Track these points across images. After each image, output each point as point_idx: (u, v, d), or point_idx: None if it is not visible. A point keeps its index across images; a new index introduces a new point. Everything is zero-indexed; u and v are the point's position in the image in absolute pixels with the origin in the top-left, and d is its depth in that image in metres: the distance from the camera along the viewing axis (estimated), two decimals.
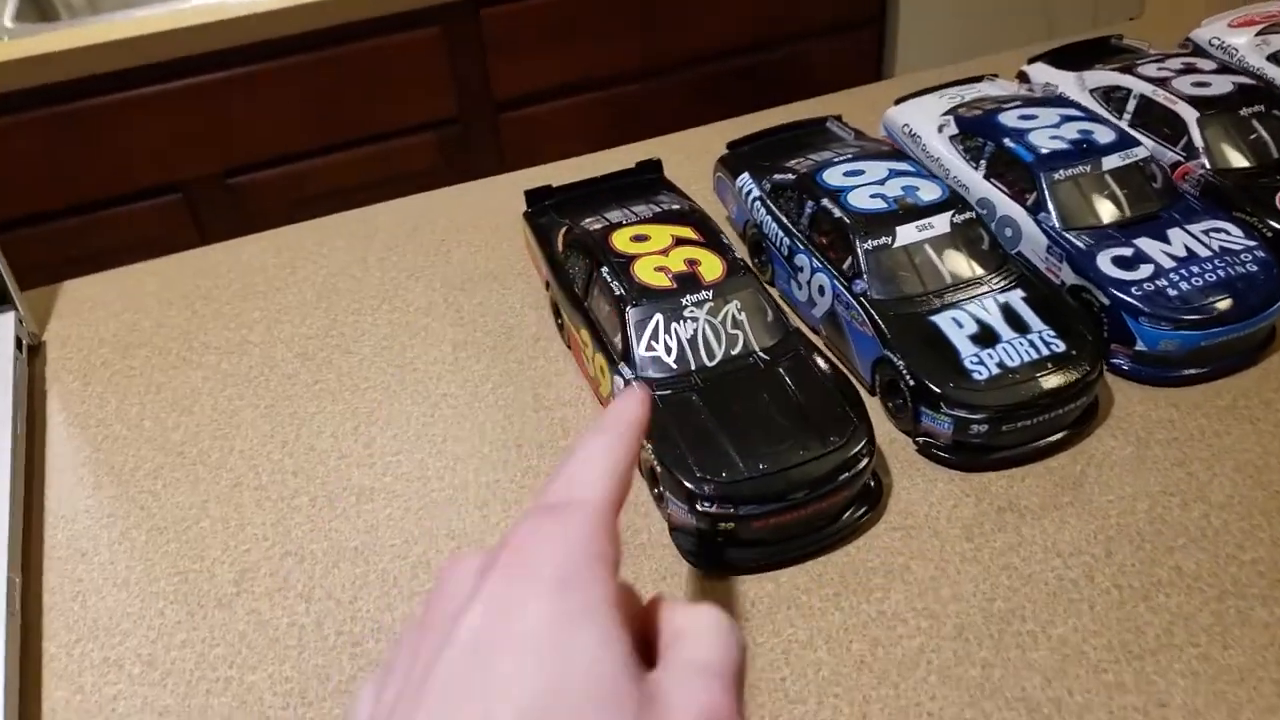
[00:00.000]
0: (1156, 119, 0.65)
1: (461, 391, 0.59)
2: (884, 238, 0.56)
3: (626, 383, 0.51)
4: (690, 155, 0.77)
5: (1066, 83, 0.72)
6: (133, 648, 0.47)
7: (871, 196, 0.58)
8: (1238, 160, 0.62)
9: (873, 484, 0.51)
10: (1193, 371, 0.55)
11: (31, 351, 0.65)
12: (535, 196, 0.65)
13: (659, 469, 0.48)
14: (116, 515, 0.53)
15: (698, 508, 0.46)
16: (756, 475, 0.46)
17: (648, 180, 0.66)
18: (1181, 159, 0.63)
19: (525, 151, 1.58)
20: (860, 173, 0.60)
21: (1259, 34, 0.73)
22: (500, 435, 0.56)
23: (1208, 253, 0.56)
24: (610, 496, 0.26)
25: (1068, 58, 0.75)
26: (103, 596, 0.49)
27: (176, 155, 1.38)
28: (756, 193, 0.64)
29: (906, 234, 0.56)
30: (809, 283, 0.59)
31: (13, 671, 0.44)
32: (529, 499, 0.52)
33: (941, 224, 0.56)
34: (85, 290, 0.71)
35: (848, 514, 0.49)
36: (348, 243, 0.73)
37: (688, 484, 0.46)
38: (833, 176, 0.60)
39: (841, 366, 0.52)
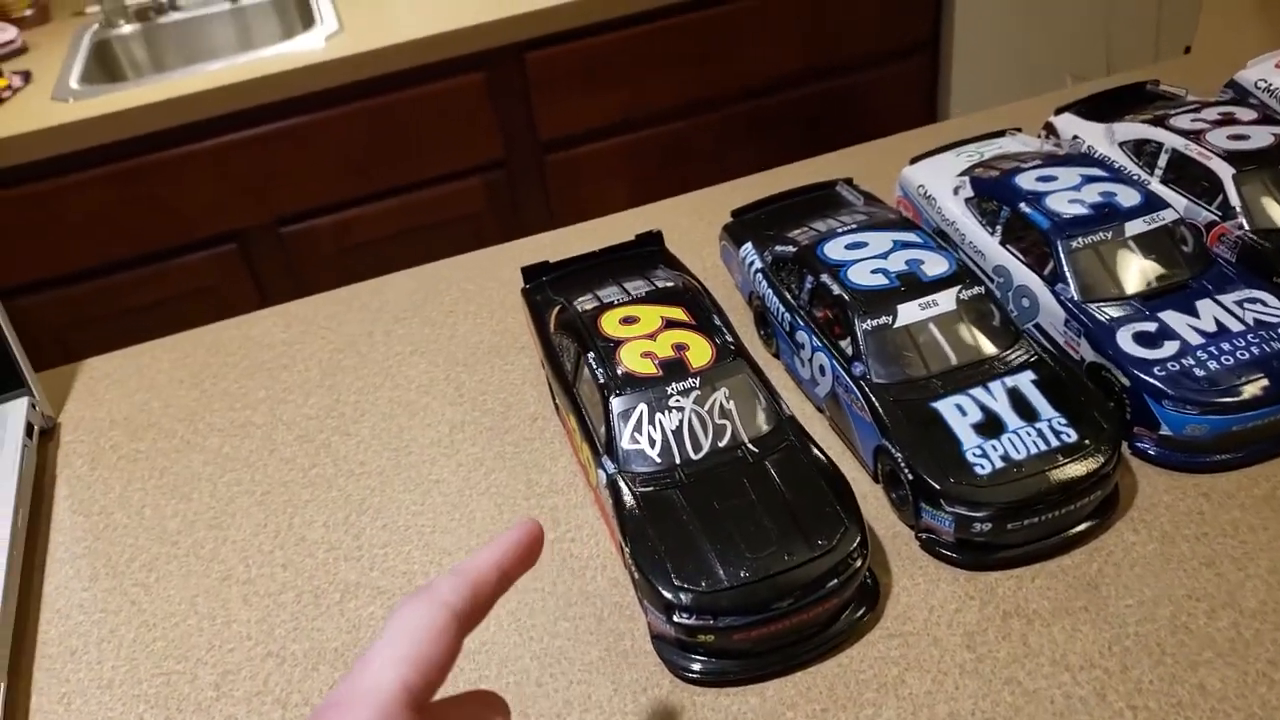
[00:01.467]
0: (1190, 175, 0.61)
1: (454, 477, 0.58)
2: (884, 317, 0.53)
3: (609, 477, 0.49)
4: (703, 217, 0.75)
5: (1095, 135, 0.68)
6: None
7: (873, 272, 0.55)
8: (1278, 219, 0.58)
9: (870, 582, 0.48)
10: (1225, 457, 0.51)
11: (45, 434, 0.66)
12: (532, 273, 0.64)
13: (636, 575, 0.46)
14: (108, 610, 0.53)
15: (674, 618, 0.44)
16: (737, 584, 0.44)
17: (648, 253, 0.64)
18: (1218, 219, 0.59)
19: (571, 192, 1.58)
20: (863, 245, 0.57)
21: None
22: (489, 526, 0.55)
23: (1240, 327, 0.52)
24: (400, 687, 0.25)
25: (1097, 107, 0.71)
26: (87, 699, 0.49)
27: (231, 206, 1.42)
28: (759, 264, 0.62)
29: (909, 313, 0.53)
30: (810, 361, 0.57)
31: None
32: (513, 599, 0.51)
33: (947, 301, 0.53)
34: (103, 369, 0.72)
35: (844, 616, 0.46)
36: (357, 315, 0.73)
37: (665, 593, 0.44)
38: (834, 250, 0.57)
39: (828, 458, 0.49)
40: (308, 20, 1.52)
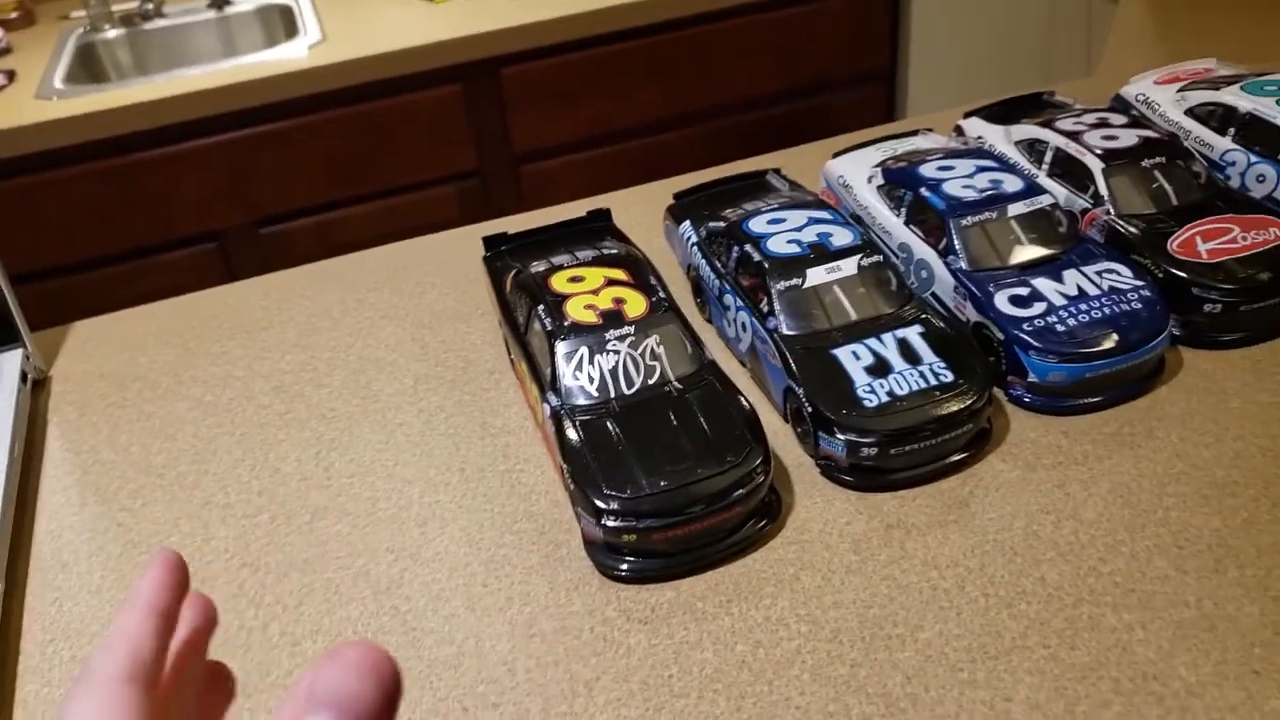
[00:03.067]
0: (1070, 170, 0.70)
1: (417, 420, 0.65)
2: (795, 279, 0.61)
3: (553, 410, 0.56)
4: (655, 204, 0.83)
5: (995, 136, 0.77)
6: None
7: (789, 242, 0.63)
8: (1140, 207, 0.66)
9: (775, 500, 0.55)
10: (1084, 401, 0.59)
11: (38, 385, 0.72)
12: (492, 242, 0.71)
13: (573, 488, 0.53)
14: (97, 530, 0.60)
15: (604, 522, 0.51)
16: (657, 491, 0.51)
17: (598, 228, 0.72)
18: (1090, 206, 0.68)
19: (544, 202, 1.64)
20: (782, 220, 0.65)
21: (1180, 90, 0.77)
22: (446, 460, 0.62)
23: (1097, 291, 0.60)
24: (118, 669, 0.27)
25: (1001, 112, 0.80)
26: (77, 602, 0.55)
27: (212, 207, 1.47)
28: (694, 239, 0.70)
29: (816, 275, 0.61)
30: (734, 320, 0.65)
31: None
32: (465, 518, 0.58)
33: (850, 266, 0.61)
34: (91, 330, 0.78)
35: (747, 526, 0.54)
36: (333, 285, 0.80)
37: (596, 500, 0.51)
38: (758, 224, 0.65)
39: (746, 397, 0.56)
40: (291, 30, 1.59)
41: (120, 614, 0.29)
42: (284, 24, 1.65)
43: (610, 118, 1.63)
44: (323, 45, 1.46)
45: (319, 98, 1.43)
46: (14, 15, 1.66)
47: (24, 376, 0.70)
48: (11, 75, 1.47)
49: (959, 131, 0.81)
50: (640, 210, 0.81)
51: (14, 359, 0.70)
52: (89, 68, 1.59)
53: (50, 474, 0.65)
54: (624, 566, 0.52)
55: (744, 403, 0.56)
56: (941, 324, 0.60)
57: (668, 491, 0.51)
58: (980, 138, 0.78)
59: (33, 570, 0.57)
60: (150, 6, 1.65)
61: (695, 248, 0.70)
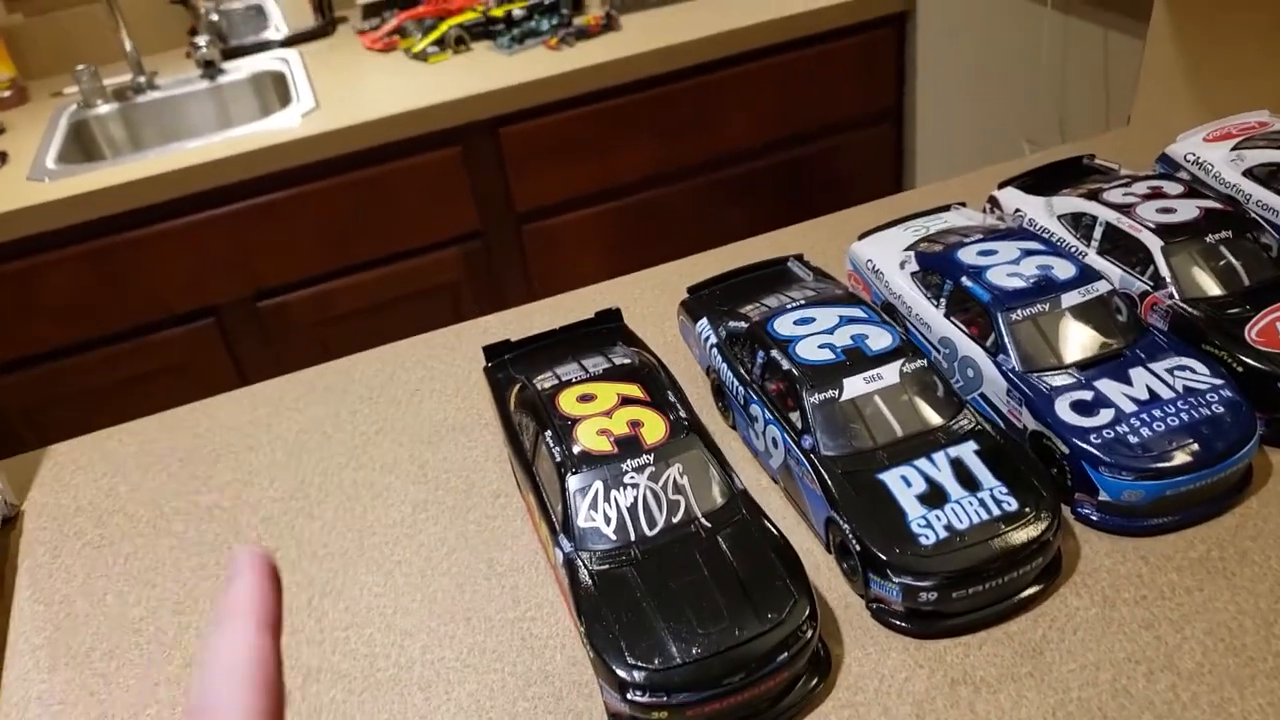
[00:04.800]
0: (1123, 247, 0.64)
1: (416, 558, 0.59)
2: (831, 390, 0.55)
3: (565, 556, 0.50)
4: (667, 290, 0.77)
5: (1036, 208, 0.71)
6: None
7: (820, 346, 0.57)
8: (1207, 289, 0.60)
9: (822, 653, 0.49)
10: (1162, 521, 0.53)
11: (9, 521, 0.66)
12: (494, 352, 0.65)
13: (591, 654, 0.47)
14: (67, 703, 0.53)
15: (629, 696, 0.45)
16: (690, 661, 0.45)
17: (607, 330, 0.66)
18: (1150, 289, 0.62)
19: (549, 261, 1.61)
20: (811, 320, 0.59)
21: (1234, 149, 0.71)
22: (450, 607, 0.55)
23: (1171, 394, 0.54)
24: (257, 616, 0.27)
25: (1038, 181, 0.74)
26: None
27: (208, 282, 1.43)
28: (713, 339, 0.64)
29: (854, 386, 0.55)
30: (763, 433, 0.58)
31: None
32: (472, 680, 0.51)
33: (891, 374, 0.55)
34: (70, 454, 0.72)
35: (796, 688, 0.47)
36: (323, 396, 0.74)
37: (619, 672, 0.45)
38: (783, 325, 0.59)
39: (779, 531, 0.50)
40: (285, 98, 1.55)
41: (240, 576, 0.28)
42: (277, 91, 1.62)
43: (612, 173, 1.59)
44: (316, 113, 1.42)
45: (314, 166, 1.39)
46: (7, 94, 1.63)
47: None
48: (4, 157, 1.44)
49: (994, 204, 0.75)
50: (652, 298, 0.75)
51: None
52: (82, 145, 1.56)
53: (18, 629, 0.59)
54: None
55: (782, 540, 0.50)
56: (997, 436, 0.53)
57: (702, 660, 0.45)
58: (1019, 211, 0.72)
59: None
60: (143, 80, 1.62)
61: (715, 349, 0.64)
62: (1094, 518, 0.54)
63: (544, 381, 0.59)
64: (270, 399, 0.75)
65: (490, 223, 1.56)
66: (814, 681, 0.48)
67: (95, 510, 0.67)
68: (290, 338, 1.50)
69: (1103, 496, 0.52)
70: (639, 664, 0.45)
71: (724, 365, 0.62)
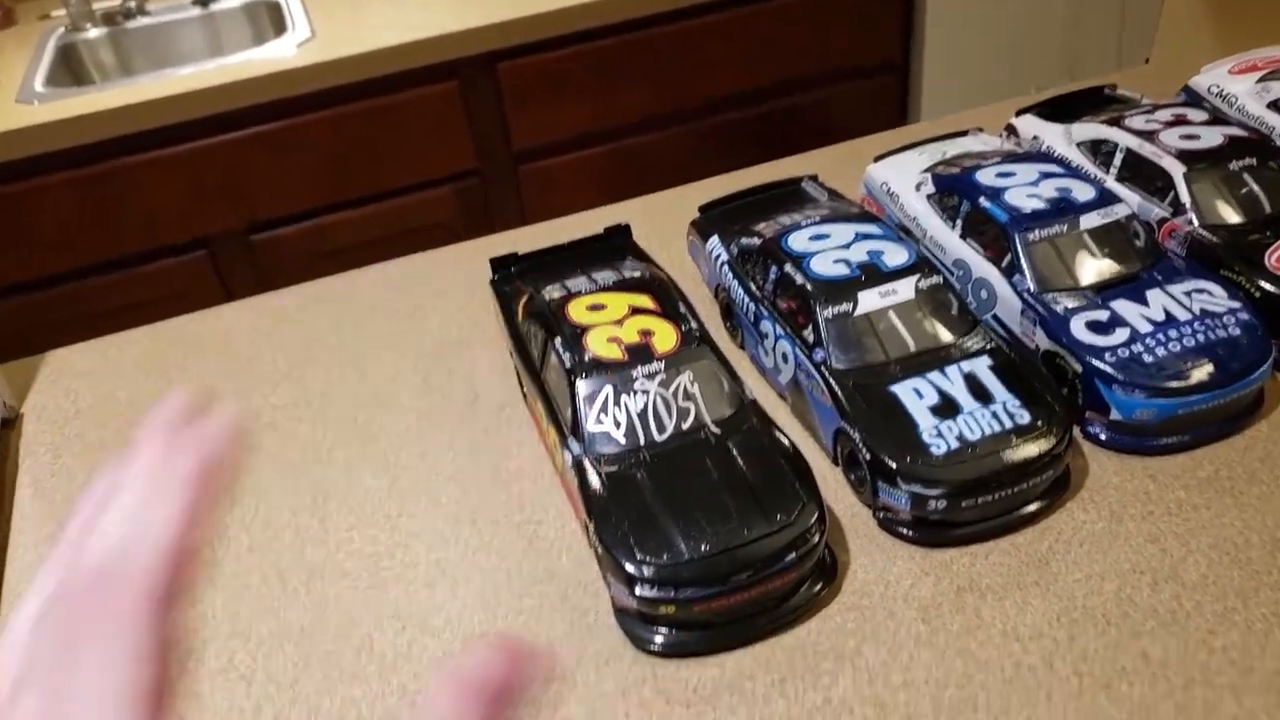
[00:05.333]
0: (1143, 174, 0.63)
1: (421, 464, 0.59)
2: (845, 305, 0.54)
3: (575, 459, 0.50)
4: (672, 215, 0.76)
5: (1054, 136, 0.70)
6: None
7: (835, 262, 0.56)
8: (1227, 216, 0.60)
9: (828, 559, 0.49)
10: (1172, 440, 0.53)
11: (8, 424, 0.65)
12: (500, 264, 0.65)
13: (600, 551, 0.46)
14: None
15: (637, 591, 0.45)
16: (698, 557, 0.45)
17: (615, 246, 0.65)
18: (1168, 215, 0.61)
19: (544, 202, 1.59)
20: (826, 236, 0.59)
21: (1259, 80, 0.70)
22: (455, 510, 0.55)
23: (1187, 315, 0.53)
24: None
25: (1057, 110, 0.73)
26: None
27: (201, 212, 1.41)
28: (724, 257, 0.63)
29: (869, 301, 0.54)
30: (774, 349, 0.58)
31: None
32: (478, 578, 0.51)
33: (906, 289, 0.55)
34: (68, 359, 0.72)
35: (801, 592, 0.47)
36: (326, 309, 0.74)
37: (628, 566, 0.45)
38: (798, 241, 0.59)
39: (789, 440, 0.50)
40: (279, 27, 1.52)
41: (209, 438, 0.24)
42: (272, 20, 1.59)
43: (611, 113, 1.56)
44: (312, 42, 1.39)
45: (309, 98, 1.36)
46: None
47: None
48: None
49: (1011, 131, 0.74)
50: (658, 221, 0.74)
51: None
52: (71, 69, 1.52)
53: (20, 528, 0.58)
54: (660, 639, 0.46)
55: (791, 446, 0.50)
56: (1011, 353, 0.53)
57: (710, 557, 0.44)
58: (1037, 138, 0.71)
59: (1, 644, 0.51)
60: (133, 4, 1.58)
61: (725, 267, 0.63)
62: (1104, 437, 0.53)
63: (552, 292, 0.59)
64: (271, 311, 0.74)
65: (487, 161, 1.54)
66: (819, 585, 0.48)
67: (96, 414, 0.66)
68: (283, 272, 1.48)
69: (1114, 415, 0.52)
70: (648, 559, 0.44)
71: (734, 282, 0.62)
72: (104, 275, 1.40)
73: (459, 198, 1.54)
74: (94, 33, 1.56)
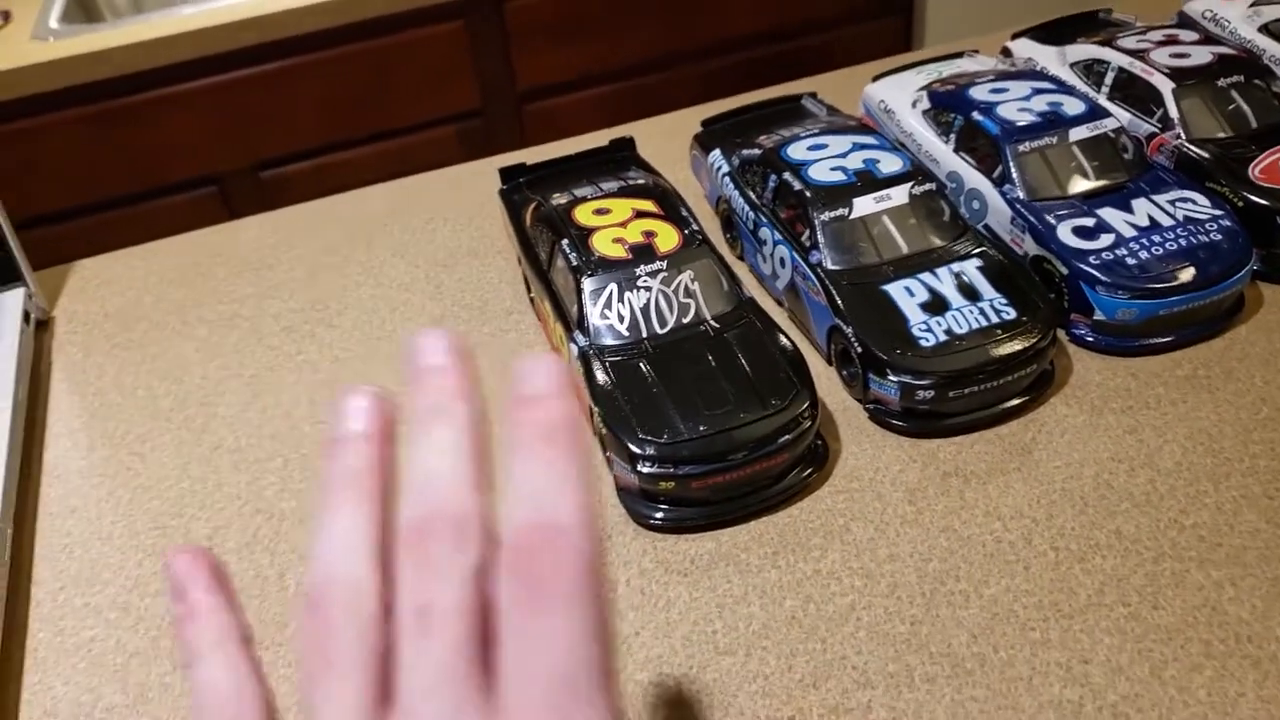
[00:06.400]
0: (1134, 91, 0.65)
1: None
2: (841, 209, 0.56)
3: (580, 350, 0.52)
4: (675, 135, 0.78)
5: (1048, 57, 0.71)
6: (110, 595, 0.49)
7: (832, 169, 0.58)
8: (1214, 131, 0.61)
9: (821, 447, 0.52)
10: (1154, 341, 0.55)
11: (41, 325, 0.68)
12: (510, 174, 0.67)
13: (605, 432, 0.49)
14: (105, 475, 0.56)
15: (639, 468, 0.47)
16: (696, 436, 0.47)
17: (620, 158, 0.67)
18: (1157, 130, 0.63)
19: (548, 142, 1.60)
20: (824, 146, 0.61)
21: (1252, 4, 0.71)
22: None
23: (1171, 222, 0.55)
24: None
25: (1052, 33, 0.75)
26: (88, 549, 0.52)
27: (210, 150, 1.43)
28: (725, 168, 0.65)
29: (864, 205, 0.56)
30: (772, 255, 0.60)
31: (1, 614, 0.48)
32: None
33: (900, 195, 0.57)
34: (95, 269, 0.74)
35: (792, 474, 0.50)
36: (339, 223, 0.76)
37: (630, 445, 0.47)
38: (797, 151, 0.61)
39: (789, 336, 0.52)
40: None
41: (188, 594, 0.25)
42: None
43: (616, 54, 1.57)
44: None
45: (316, 36, 1.37)
46: None
47: (26, 316, 0.66)
48: (7, 16, 1.42)
49: (1006, 54, 0.75)
50: (662, 141, 0.76)
51: (16, 298, 0.67)
52: (84, 7, 1.53)
53: (56, 417, 0.61)
54: (660, 515, 0.49)
55: (787, 342, 0.52)
56: (998, 256, 0.55)
57: (708, 436, 0.47)
58: (1031, 60, 0.72)
59: (41, 515, 0.54)
60: None
61: (726, 178, 0.65)
62: (1089, 338, 0.56)
63: (559, 199, 0.61)
64: (286, 223, 0.76)
65: (491, 101, 1.55)
66: (810, 470, 0.50)
67: (122, 317, 0.69)
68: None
69: (1098, 315, 0.54)
70: (649, 438, 0.47)
71: (735, 192, 0.64)
72: (114, 210, 1.42)
73: (463, 138, 1.55)
74: None
